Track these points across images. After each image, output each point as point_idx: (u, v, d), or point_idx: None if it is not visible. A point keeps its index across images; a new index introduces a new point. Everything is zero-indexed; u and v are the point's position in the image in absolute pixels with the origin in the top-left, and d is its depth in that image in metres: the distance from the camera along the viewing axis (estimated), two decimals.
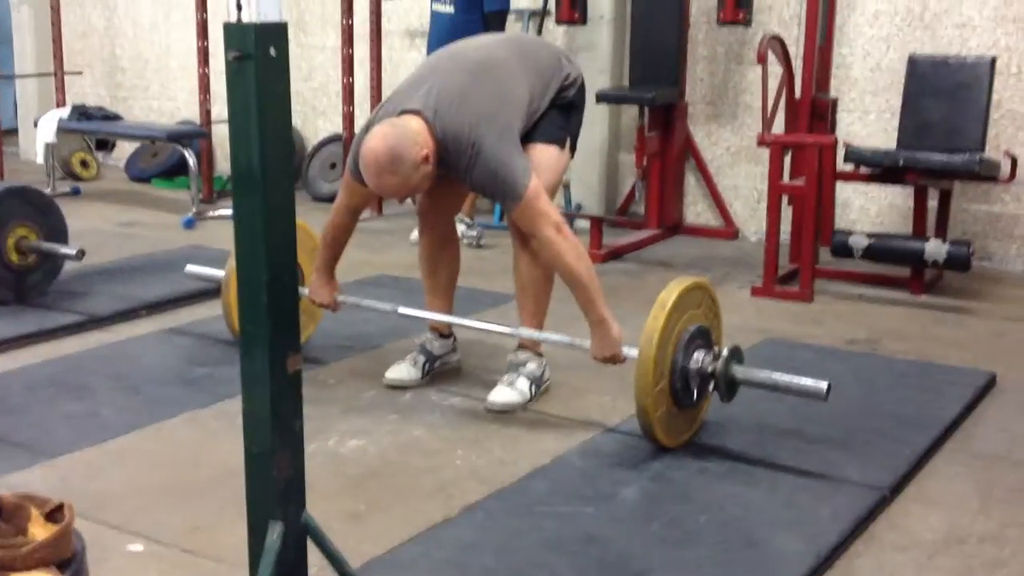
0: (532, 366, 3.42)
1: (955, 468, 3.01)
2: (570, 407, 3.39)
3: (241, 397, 2.10)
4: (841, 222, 5.49)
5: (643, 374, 2.89)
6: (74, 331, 4.07)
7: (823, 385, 2.91)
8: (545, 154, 3.29)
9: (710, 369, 2.99)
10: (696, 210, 6.12)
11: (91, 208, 6.47)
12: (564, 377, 3.59)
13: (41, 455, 2.96)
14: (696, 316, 3.04)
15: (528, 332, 3.35)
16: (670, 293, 2.96)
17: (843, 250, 4.72)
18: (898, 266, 4.82)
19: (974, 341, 4.17)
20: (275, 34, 2.02)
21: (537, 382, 3.42)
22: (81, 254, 4.33)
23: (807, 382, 2.95)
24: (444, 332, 3.63)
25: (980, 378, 3.63)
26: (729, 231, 5.94)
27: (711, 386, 3.01)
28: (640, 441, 3.04)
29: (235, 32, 2.00)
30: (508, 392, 3.35)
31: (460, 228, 5.71)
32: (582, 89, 3.45)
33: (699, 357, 2.99)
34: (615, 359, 3.12)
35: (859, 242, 4.68)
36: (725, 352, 3.00)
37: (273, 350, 2.08)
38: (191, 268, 4.17)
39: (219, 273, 3.94)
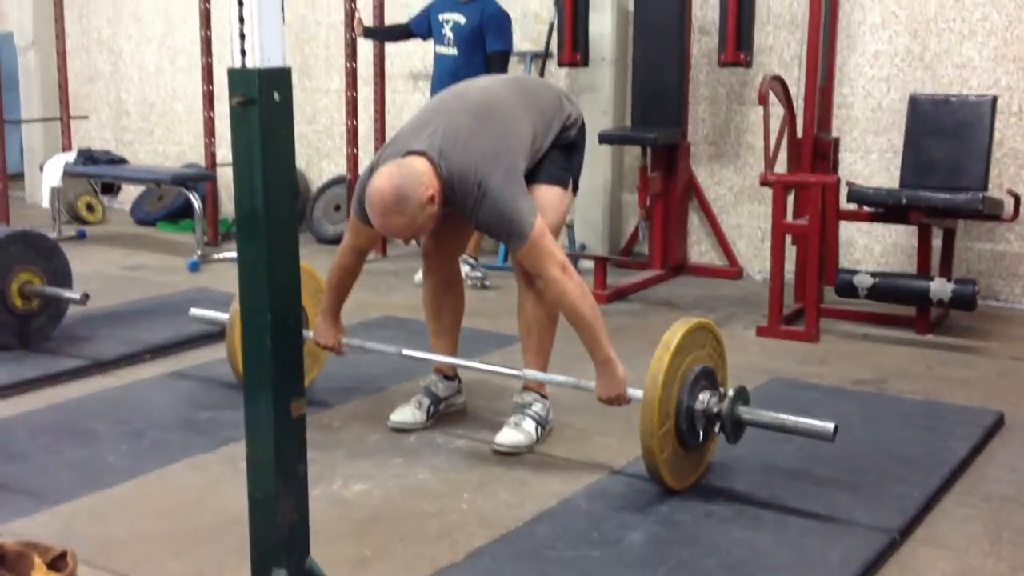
0: (538, 407, 3.40)
1: (965, 510, 2.98)
2: (576, 449, 3.37)
3: (245, 441, 2.09)
4: (845, 262, 5.49)
5: (648, 415, 2.87)
6: (78, 376, 4.06)
7: (830, 426, 2.89)
8: (549, 194, 3.30)
9: (716, 410, 2.97)
10: (700, 250, 6.13)
11: (96, 252, 6.48)
12: (569, 419, 3.58)
13: (44, 501, 2.94)
14: (701, 357, 3.03)
15: (533, 374, 3.34)
16: (674, 334, 2.95)
17: (848, 289, 4.71)
18: (903, 305, 4.81)
19: (981, 381, 4.14)
20: (279, 79, 2.03)
21: (543, 423, 3.40)
22: (85, 298, 4.33)
23: (814, 423, 2.93)
24: (449, 374, 3.62)
25: (988, 418, 3.61)
26: (733, 271, 5.93)
27: (717, 427, 2.99)
28: (646, 483, 3.02)
29: (239, 77, 2.02)
30: (515, 434, 3.34)
31: (464, 269, 5.73)
32: (583, 129, 3.46)
33: (704, 398, 2.97)
34: (620, 400, 3.11)
35: (864, 281, 4.67)
36: (731, 393, 2.99)
37: (277, 394, 2.07)
38: (195, 311, 4.16)
39: (223, 316, 3.93)
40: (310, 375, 3.78)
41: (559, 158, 3.36)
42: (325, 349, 3.55)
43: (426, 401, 3.55)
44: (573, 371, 3.34)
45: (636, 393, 3.01)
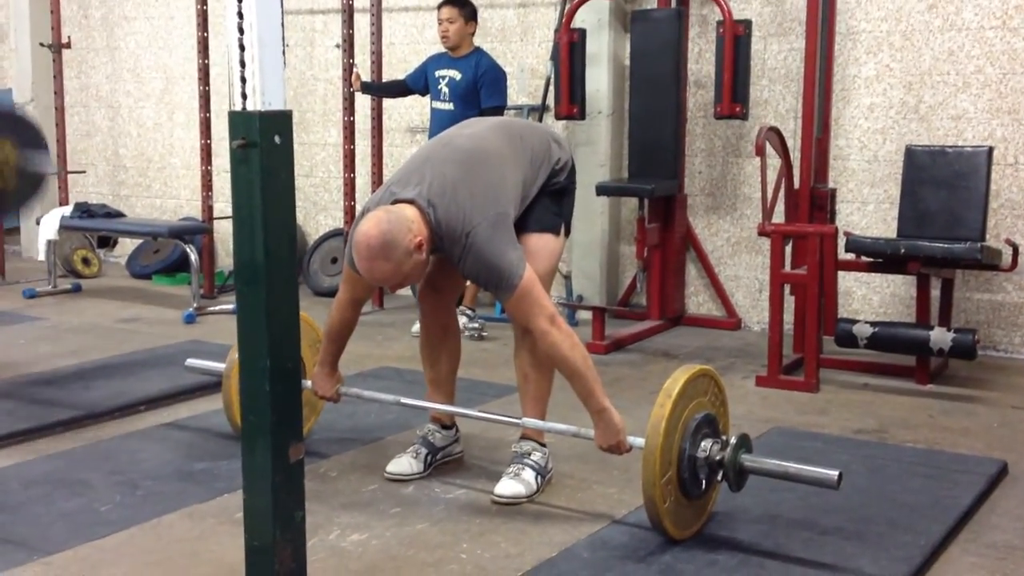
0: (537, 456, 3.37)
1: (970, 558, 2.94)
2: (576, 499, 3.33)
3: (241, 491, 2.06)
4: (843, 312, 5.48)
5: (650, 464, 2.84)
6: (72, 426, 4.02)
7: (834, 474, 2.86)
8: (540, 242, 3.29)
9: (718, 458, 2.94)
10: (698, 300, 6.12)
11: (92, 305, 6.46)
12: (570, 468, 3.54)
13: (37, 552, 2.89)
14: (703, 404, 3.01)
15: (533, 422, 3.31)
16: (676, 381, 2.93)
17: (848, 339, 4.70)
18: (903, 355, 4.80)
19: (983, 430, 4.12)
20: (280, 122, 2.04)
21: (542, 472, 3.37)
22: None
23: (818, 471, 2.90)
24: (446, 423, 3.58)
25: (991, 467, 3.58)
26: (731, 321, 5.92)
27: (720, 475, 2.96)
28: (648, 533, 2.98)
29: (240, 120, 2.02)
30: (514, 484, 3.30)
31: (462, 320, 5.72)
32: (573, 172, 3.45)
33: (707, 446, 2.95)
34: (620, 448, 3.07)
35: (864, 331, 4.66)
36: (733, 440, 2.96)
37: (275, 439, 2.05)
38: (192, 362, 4.14)
39: (220, 366, 3.90)
40: (307, 425, 3.75)
41: (549, 204, 3.35)
42: (323, 399, 3.52)
43: (423, 451, 3.52)
44: (571, 419, 3.32)
45: (637, 441, 2.98)
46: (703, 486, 2.96)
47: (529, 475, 3.32)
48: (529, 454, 3.36)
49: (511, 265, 3.01)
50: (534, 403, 3.36)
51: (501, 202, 3.12)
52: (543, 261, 3.24)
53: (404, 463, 3.49)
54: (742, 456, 2.95)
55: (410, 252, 2.96)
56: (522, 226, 3.25)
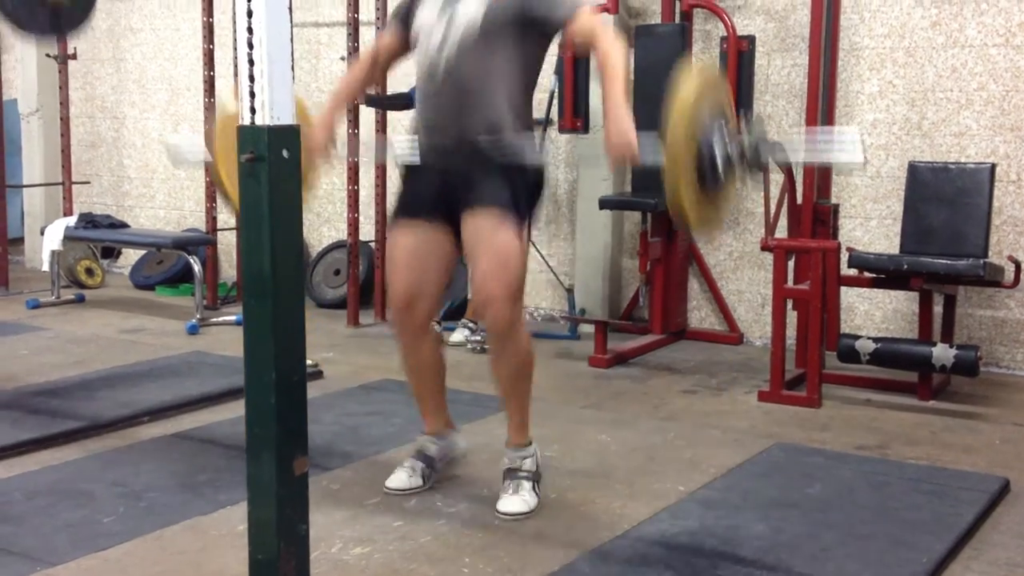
0: (527, 464, 3.37)
1: (973, 575, 2.94)
2: (579, 513, 3.33)
3: (244, 504, 2.07)
4: (846, 328, 5.48)
5: (672, 167, 2.82)
6: (75, 438, 4.02)
7: (860, 153, 2.77)
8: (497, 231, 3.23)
9: (736, 145, 2.93)
10: (700, 315, 6.12)
11: (95, 315, 6.47)
12: (572, 482, 3.55)
13: (40, 563, 2.89)
14: (711, 101, 2.99)
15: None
16: (686, 83, 2.91)
17: (850, 355, 4.70)
18: (905, 371, 4.80)
19: (985, 447, 4.12)
20: (288, 136, 2.05)
21: (536, 478, 3.37)
22: None
23: (842, 153, 2.81)
24: (441, 434, 3.58)
25: (993, 484, 3.58)
26: (733, 336, 5.93)
27: (740, 159, 2.93)
28: (650, 548, 2.98)
29: (248, 134, 2.03)
30: (516, 502, 3.28)
31: (464, 333, 5.74)
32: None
33: (722, 135, 2.92)
34: (630, 152, 2.98)
35: (866, 346, 4.66)
36: (745, 122, 2.97)
37: (280, 452, 2.06)
38: (172, 141, 3.94)
39: (201, 149, 3.66)
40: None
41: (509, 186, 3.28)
42: (313, 154, 3.37)
43: (420, 465, 3.51)
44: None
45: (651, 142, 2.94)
46: (722, 173, 2.93)
47: (526, 488, 3.32)
48: (520, 467, 3.36)
49: None
50: (518, 410, 3.38)
51: None
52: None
53: (402, 478, 3.49)
54: (757, 133, 2.93)
55: None
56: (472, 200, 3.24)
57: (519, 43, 3.25)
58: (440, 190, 3.30)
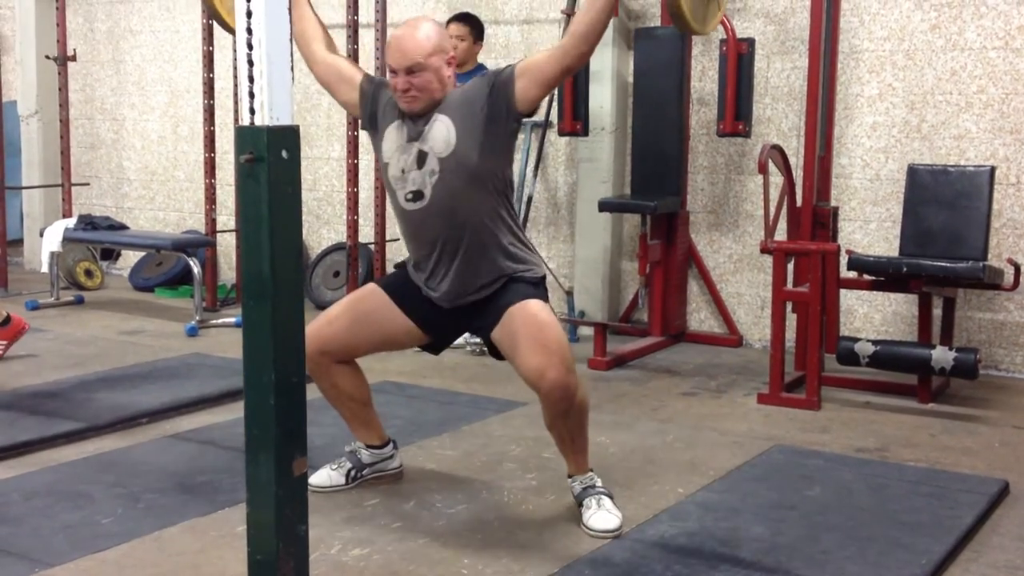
0: (599, 480, 3.31)
1: None
2: (578, 514, 3.31)
3: (243, 505, 2.07)
4: (845, 330, 5.48)
5: None
6: (73, 439, 4.01)
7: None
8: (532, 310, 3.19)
9: None
10: (699, 317, 6.12)
11: (94, 317, 6.47)
12: None
13: (38, 564, 2.89)
14: None
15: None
16: None
17: (849, 357, 4.70)
18: (905, 374, 4.80)
19: (984, 449, 4.12)
20: (287, 136, 2.05)
21: (611, 494, 3.30)
22: None
23: None
24: (375, 444, 3.56)
25: (993, 486, 3.58)
26: (733, 338, 5.93)
27: None
28: (650, 550, 2.98)
29: (248, 135, 2.03)
30: (608, 517, 3.17)
31: (463, 336, 5.72)
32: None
33: None
34: None
35: (865, 349, 4.66)
36: None
37: (279, 453, 2.06)
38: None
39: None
40: None
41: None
42: None
43: (348, 465, 3.52)
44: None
45: None
46: None
47: (607, 503, 3.23)
48: (594, 484, 3.29)
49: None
50: (582, 447, 3.30)
51: None
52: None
53: (323, 476, 3.50)
54: None
55: (444, 49, 3.17)
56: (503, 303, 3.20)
57: (495, 154, 3.17)
58: (441, 311, 3.30)
